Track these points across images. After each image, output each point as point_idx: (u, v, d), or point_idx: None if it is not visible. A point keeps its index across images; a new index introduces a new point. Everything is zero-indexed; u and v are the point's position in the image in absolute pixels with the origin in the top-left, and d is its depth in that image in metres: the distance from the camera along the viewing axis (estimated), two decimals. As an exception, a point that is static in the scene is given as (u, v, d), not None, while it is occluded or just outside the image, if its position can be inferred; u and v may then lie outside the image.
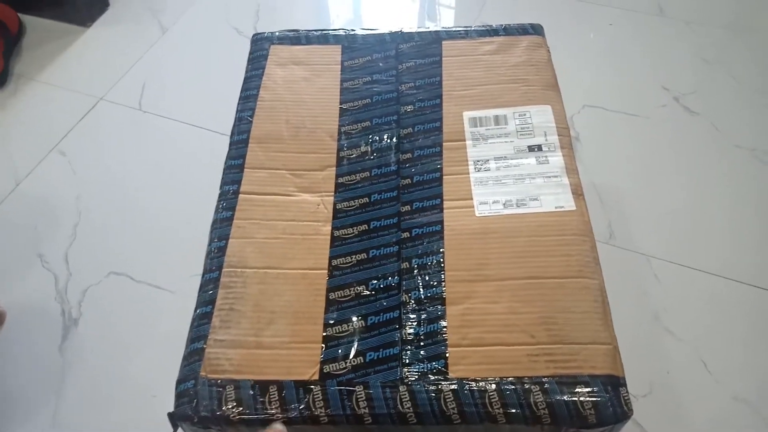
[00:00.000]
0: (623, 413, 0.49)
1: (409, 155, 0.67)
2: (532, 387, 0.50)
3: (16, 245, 0.96)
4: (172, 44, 1.26)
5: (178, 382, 0.54)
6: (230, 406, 0.51)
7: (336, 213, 0.63)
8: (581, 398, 0.49)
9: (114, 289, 0.90)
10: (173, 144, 1.08)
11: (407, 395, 0.51)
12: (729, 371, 0.76)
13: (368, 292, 0.58)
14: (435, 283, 0.57)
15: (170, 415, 0.53)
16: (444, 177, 0.65)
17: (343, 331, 0.55)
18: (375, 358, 0.53)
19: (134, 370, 0.81)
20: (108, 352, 0.83)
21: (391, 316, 0.56)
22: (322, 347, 0.54)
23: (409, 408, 0.50)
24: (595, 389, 0.50)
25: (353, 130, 0.71)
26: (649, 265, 0.86)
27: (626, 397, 0.50)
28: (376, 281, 0.58)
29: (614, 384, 0.50)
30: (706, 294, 0.83)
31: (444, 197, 0.63)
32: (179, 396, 0.53)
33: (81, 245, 0.95)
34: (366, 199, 0.64)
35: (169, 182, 1.02)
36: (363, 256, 0.60)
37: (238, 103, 0.75)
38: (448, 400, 0.50)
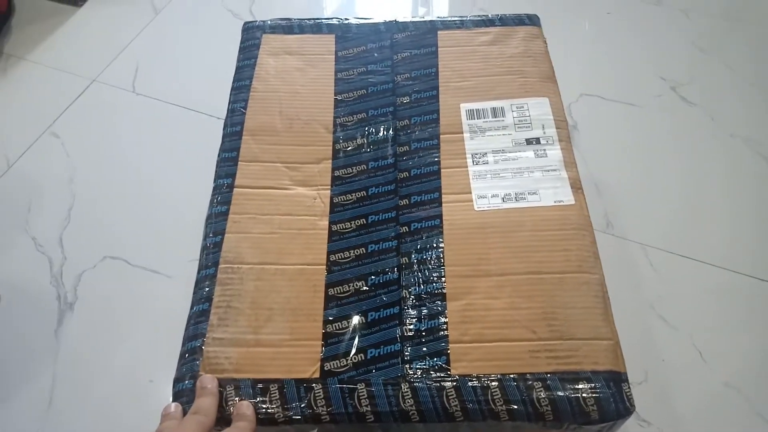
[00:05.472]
0: (626, 409, 0.49)
1: (406, 148, 0.67)
2: (535, 383, 0.50)
3: (9, 228, 0.94)
4: (165, 25, 1.24)
5: (176, 381, 0.53)
6: (231, 406, 0.51)
7: (333, 207, 0.63)
8: (583, 394, 0.49)
9: (110, 274, 0.88)
10: (168, 127, 1.07)
11: (409, 392, 0.50)
12: (722, 359, 0.77)
13: (367, 288, 0.57)
14: (435, 279, 0.57)
15: (168, 415, 0.52)
16: (442, 170, 0.64)
17: (343, 328, 0.55)
18: (376, 355, 0.53)
19: (131, 355, 0.80)
20: (105, 337, 0.82)
21: (392, 312, 0.55)
22: (323, 344, 0.54)
23: (411, 405, 0.50)
24: (597, 385, 0.50)
25: (349, 121, 0.70)
26: (645, 254, 0.86)
27: (628, 393, 0.50)
28: (375, 276, 0.58)
29: (616, 380, 0.50)
30: (701, 283, 0.83)
31: (443, 191, 0.63)
32: (177, 395, 0.52)
33: (75, 229, 0.93)
34: (363, 193, 0.63)
35: (163, 166, 1.01)
36: (362, 250, 0.59)
37: (231, 94, 0.73)
38: (450, 397, 0.50)
